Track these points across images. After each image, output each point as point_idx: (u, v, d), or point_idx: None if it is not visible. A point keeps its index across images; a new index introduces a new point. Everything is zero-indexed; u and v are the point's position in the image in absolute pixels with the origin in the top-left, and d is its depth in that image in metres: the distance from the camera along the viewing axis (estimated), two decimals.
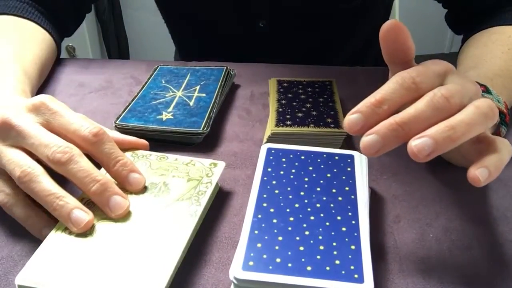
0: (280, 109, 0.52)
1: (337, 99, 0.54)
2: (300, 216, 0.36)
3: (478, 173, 0.32)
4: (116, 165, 0.40)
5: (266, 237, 0.34)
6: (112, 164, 0.40)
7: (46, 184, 0.37)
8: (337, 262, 0.32)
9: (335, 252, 0.33)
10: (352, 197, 0.38)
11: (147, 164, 0.44)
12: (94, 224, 0.38)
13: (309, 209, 0.36)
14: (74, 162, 0.38)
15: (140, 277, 0.33)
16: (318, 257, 0.32)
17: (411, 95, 0.33)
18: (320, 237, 0.34)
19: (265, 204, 0.37)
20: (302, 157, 0.42)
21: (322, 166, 0.41)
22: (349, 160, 0.42)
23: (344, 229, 0.35)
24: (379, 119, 0.32)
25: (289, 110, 0.52)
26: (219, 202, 0.44)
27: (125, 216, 0.38)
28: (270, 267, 0.32)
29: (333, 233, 0.34)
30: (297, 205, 0.37)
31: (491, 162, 0.32)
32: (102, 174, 0.39)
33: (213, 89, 0.57)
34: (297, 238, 0.34)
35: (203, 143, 0.51)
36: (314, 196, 0.38)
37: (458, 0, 0.66)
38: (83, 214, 0.37)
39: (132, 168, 0.41)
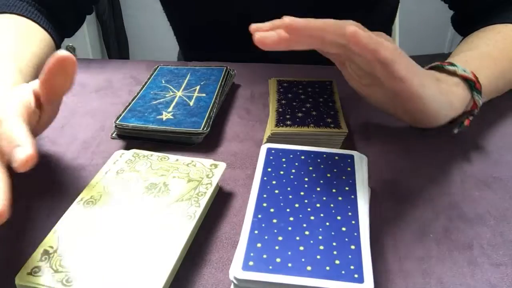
0: (280, 109, 0.52)
1: (337, 99, 0.54)
2: (300, 216, 0.36)
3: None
4: (4, 144, 0.36)
5: (266, 237, 0.34)
6: (2, 144, 0.36)
7: None
8: (337, 262, 0.32)
9: (335, 252, 0.33)
10: (352, 197, 0.38)
11: (147, 164, 0.44)
12: (93, 224, 0.38)
13: (309, 209, 0.36)
14: None
15: (138, 277, 0.33)
16: (318, 257, 0.32)
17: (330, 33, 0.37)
18: (320, 237, 0.34)
19: (265, 204, 0.37)
20: (302, 157, 0.42)
21: (322, 166, 0.41)
22: (349, 160, 0.42)
23: (344, 229, 0.35)
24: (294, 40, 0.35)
25: (289, 110, 0.52)
26: (219, 202, 0.44)
27: (125, 216, 0.39)
28: (270, 267, 0.32)
29: (333, 233, 0.34)
30: (297, 205, 0.37)
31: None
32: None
33: (213, 89, 0.57)
34: (297, 238, 0.34)
35: (203, 143, 0.51)
36: (314, 196, 0.38)
37: (464, 0, 0.66)
38: None
39: (16, 144, 0.35)
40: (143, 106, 0.54)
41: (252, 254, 0.33)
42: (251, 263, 0.32)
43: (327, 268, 0.32)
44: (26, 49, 0.58)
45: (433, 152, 0.50)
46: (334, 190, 0.38)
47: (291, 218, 0.36)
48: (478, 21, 0.62)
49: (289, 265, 0.32)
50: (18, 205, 0.44)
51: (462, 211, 0.43)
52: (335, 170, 0.41)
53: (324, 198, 0.38)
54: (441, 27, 2.36)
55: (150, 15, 2.07)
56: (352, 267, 0.32)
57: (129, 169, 0.44)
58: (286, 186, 0.39)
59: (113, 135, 0.53)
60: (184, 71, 0.62)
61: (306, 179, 0.40)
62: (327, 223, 0.35)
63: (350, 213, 0.36)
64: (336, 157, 0.42)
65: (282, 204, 0.37)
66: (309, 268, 0.32)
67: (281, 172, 0.40)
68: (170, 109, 0.54)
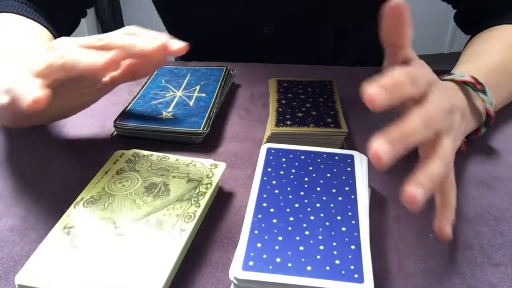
0: (280, 109, 0.52)
1: (337, 99, 0.54)
2: (300, 216, 0.36)
3: (449, 232, 0.36)
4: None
5: (266, 237, 0.34)
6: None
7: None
8: (337, 262, 0.32)
9: (335, 252, 0.33)
10: (352, 197, 0.38)
11: (147, 164, 0.44)
12: (93, 224, 0.38)
13: (309, 209, 0.36)
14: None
15: (138, 277, 0.33)
16: (318, 257, 0.32)
17: (411, 89, 0.35)
18: (320, 237, 0.34)
19: (265, 204, 0.37)
20: (302, 157, 0.42)
21: (322, 166, 0.41)
22: (349, 160, 0.42)
23: (344, 229, 0.35)
24: (392, 98, 0.32)
25: (289, 110, 0.52)
26: (219, 202, 0.44)
27: (125, 216, 0.39)
28: (270, 267, 0.32)
29: (333, 233, 0.34)
30: (297, 205, 0.37)
31: (451, 217, 0.36)
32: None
33: (213, 89, 0.57)
34: (297, 238, 0.34)
35: (203, 143, 0.51)
36: (314, 196, 0.38)
37: (467, 1, 0.66)
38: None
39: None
40: (143, 106, 0.54)
41: (252, 254, 0.33)
42: (251, 263, 0.32)
43: (327, 268, 0.32)
44: (37, 44, 0.58)
45: None
46: (334, 190, 0.38)
47: (291, 218, 0.36)
48: (484, 20, 0.62)
49: (289, 265, 0.32)
50: (18, 205, 0.44)
51: (462, 211, 0.43)
52: (335, 170, 0.41)
53: (324, 198, 0.38)
54: (441, 27, 2.36)
55: (150, 15, 2.06)
56: (352, 267, 0.32)
57: (129, 169, 0.44)
58: (286, 186, 0.39)
59: (113, 135, 0.53)
60: (184, 71, 0.62)
61: (306, 179, 0.40)
62: (327, 223, 0.35)
63: (350, 213, 0.36)
64: (336, 157, 0.42)
65: (282, 204, 0.37)
66: (309, 268, 0.32)
67: (281, 172, 0.40)
68: (170, 109, 0.54)
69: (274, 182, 0.39)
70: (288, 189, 0.39)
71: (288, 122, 0.50)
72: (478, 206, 0.43)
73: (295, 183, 0.39)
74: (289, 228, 0.35)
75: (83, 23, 0.72)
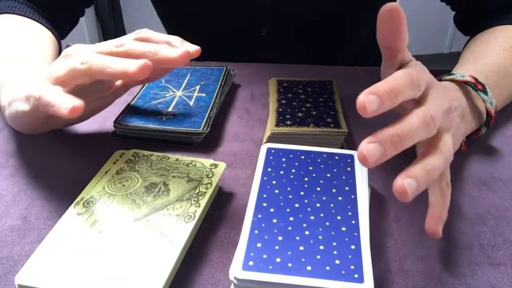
0: (280, 109, 0.52)
1: (337, 99, 0.54)
2: (300, 216, 0.36)
3: (437, 231, 0.36)
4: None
5: (266, 237, 0.34)
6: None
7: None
8: (337, 262, 0.32)
9: (335, 252, 0.33)
10: (352, 197, 0.38)
11: (147, 164, 0.44)
12: (93, 224, 0.38)
13: (309, 209, 0.36)
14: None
15: (138, 277, 0.33)
16: (318, 256, 0.32)
17: (415, 95, 0.35)
18: (320, 237, 0.34)
19: (265, 204, 0.37)
20: (302, 157, 0.42)
21: (322, 166, 0.41)
22: (349, 160, 0.42)
23: (344, 229, 0.35)
24: (390, 106, 0.33)
25: (289, 110, 0.52)
26: (219, 202, 0.44)
27: (125, 216, 0.39)
28: (270, 267, 0.32)
29: (333, 233, 0.34)
30: (297, 205, 0.37)
31: (443, 215, 0.36)
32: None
33: (213, 89, 0.57)
34: (297, 238, 0.34)
35: (203, 143, 0.51)
36: (314, 196, 0.38)
37: (466, 1, 0.66)
38: None
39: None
40: (143, 106, 0.54)
41: (252, 254, 0.33)
42: (251, 263, 0.32)
43: (327, 268, 0.32)
44: (42, 46, 0.58)
45: None
46: (334, 190, 0.38)
47: (291, 218, 0.36)
48: (483, 21, 0.62)
49: (289, 265, 0.32)
50: (18, 205, 0.44)
51: (462, 211, 0.43)
52: (335, 170, 0.41)
53: (324, 198, 0.38)
54: (441, 27, 2.36)
55: (150, 15, 2.07)
56: (352, 267, 0.32)
57: (129, 169, 0.44)
58: (286, 186, 0.39)
59: (113, 135, 0.53)
60: (184, 71, 0.62)
61: (306, 179, 0.40)
62: (327, 223, 0.35)
63: (350, 213, 0.36)
64: (336, 157, 0.42)
65: (282, 204, 0.37)
66: (309, 268, 0.32)
67: (281, 172, 0.40)
68: (170, 109, 0.54)
69: (274, 182, 0.39)
70: (288, 189, 0.39)
71: (288, 122, 0.50)
72: (478, 206, 0.43)
73: (295, 183, 0.39)
74: (289, 228, 0.35)
75: (83, 23, 0.72)
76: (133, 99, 0.56)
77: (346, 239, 0.34)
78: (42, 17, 0.65)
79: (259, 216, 0.36)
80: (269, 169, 0.41)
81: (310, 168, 0.41)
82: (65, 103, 0.38)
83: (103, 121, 0.56)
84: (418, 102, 0.36)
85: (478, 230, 0.41)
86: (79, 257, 0.35)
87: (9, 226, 0.41)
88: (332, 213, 0.36)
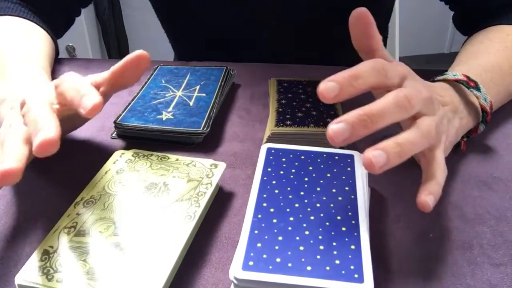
0: (280, 109, 0.52)
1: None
2: (300, 216, 0.36)
3: (427, 201, 0.36)
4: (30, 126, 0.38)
5: (266, 237, 0.34)
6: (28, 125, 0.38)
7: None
8: (337, 262, 0.32)
9: (335, 252, 0.33)
10: (352, 197, 0.38)
11: (147, 164, 0.44)
12: (93, 224, 0.38)
13: (309, 209, 0.36)
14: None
15: (138, 277, 0.33)
16: (318, 257, 0.32)
17: (381, 80, 0.36)
18: (320, 237, 0.34)
19: (265, 204, 0.37)
20: (302, 157, 0.42)
21: (322, 166, 0.41)
22: (349, 160, 0.42)
23: (344, 229, 0.35)
24: (352, 91, 0.34)
25: (289, 110, 0.52)
26: (219, 202, 0.44)
27: (125, 216, 0.39)
28: (270, 267, 0.32)
29: (333, 233, 0.34)
30: (297, 205, 0.37)
31: (434, 188, 0.37)
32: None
33: (213, 89, 0.57)
34: (297, 238, 0.34)
35: (203, 143, 0.51)
36: (314, 196, 0.38)
37: (464, 1, 0.66)
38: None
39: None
40: (143, 106, 0.54)
41: (252, 254, 0.33)
42: (251, 263, 0.32)
43: (327, 268, 0.32)
44: (38, 48, 0.58)
45: None
46: (334, 190, 0.38)
47: (291, 218, 0.36)
48: (481, 21, 0.62)
49: (289, 265, 0.32)
50: (18, 205, 0.44)
51: (462, 211, 0.43)
52: (335, 170, 0.41)
53: (324, 198, 0.38)
54: (441, 27, 2.36)
55: (150, 15, 2.06)
56: (352, 267, 0.32)
57: (129, 169, 0.44)
58: (286, 186, 0.39)
59: (113, 135, 0.53)
60: (184, 71, 0.62)
61: (306, 179, 0.40)
62: (327, 223, 0.35)
63: (350, 213, 0.36)
64: (336, 157, 0.42)
65: (282, 204, 0.37)
66: (309, 268, 0.32)
67: (281, 172, 0.40)
68: (170, 109, 0.54)
69: (274, 182, 0.39)
70: (288, 189, 0.39)
71: (288, 122, 0.50)
72: (478, 206, 0.43)
73: (295, 183, 0.39)
74: (289, 228, 0.35)
75: (83, 23, 0.72)
76: (133, 99, 0.56)
77: (346, 239, 0.34)
78: (38, 18, 0.65)
79: (259, 216, 0.36)
80: (269, 169, 0.41)
81: (310, 168, 0.41)
82: (87, 101, 0.38)
83: (103, 121, 0.56)
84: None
85: (478, 230, 0.41)
86: (79, 257, 0.35)
87: (9, 226, 0.41)
88: (332, 213, 0.36)
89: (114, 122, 0.52)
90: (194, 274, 0.37)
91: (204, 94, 0.56)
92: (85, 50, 1.91)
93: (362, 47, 0.40)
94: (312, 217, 0.36)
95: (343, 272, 0.31)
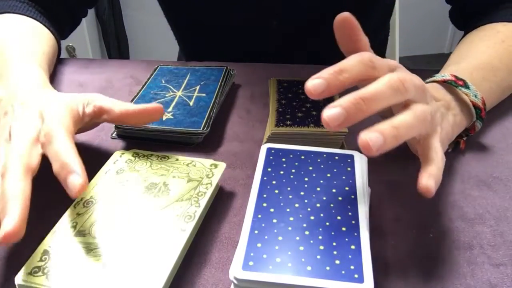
0: (280, 109, 0.52)
1: (337, 99, 0.54)
2: (300, 216, 0.36)
3: (428, 185, 0.35)
4: (57, 166, 0.38)
5: (266, 237, 0.34)
6: (54, 165, 0.38)
7: None
8: (337, 262, 0.32)
9: (335, 252, 0.33)
10: (352, 197, 0.38)
11: (147, 164, 0.44)
12: (93, 224, 0.38)
13: (309, 209, 0.36)
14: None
15: (138, 277, 0.33)
16: (318, 257, 0.32)
17: (368, 71, 0.36)
18: (320, 237, 0.34)
19: (265, 204, 0.37)
20: (302, 157, 0.42)
21: (322, 166, 0.41)
22: (349, 160, 0.42)
23: (344, 229, 0.35)
24: (339, 85, 0.34)
25: (289, 110, 0.52)
26: (219, 202, 0.44)
27: (125, 216, 0.39)
28: (270, 267, 0.32)
29: (333, 233, 0.34)
30: (297, 205, 0.37)
31: (433, 171, 0.36)
32: (67, 155, 0.38)
33: (213, 89, 0.57)
34: (297, 238, 0.34)
35: (203, 143, 0.51)
36: (314, 196, 0.38)
37: None
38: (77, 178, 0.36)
39: (70, 170, 0.37)
40: None
41: (252, 254, 0.33)
42: (251, 263, 0.32)
43: (327, 268, 0.32)
44: (38, 46, 0.58)
45: None
46: (334, 190, 0.38)
47: (291, 218, 0.36)
48: (476, 16, 0.63)
49: (289, 265, 0.32)
50: None
51: (462, 211, 0.43)
52: (335, 170, 0.41)
53: (324, 198, 0.38)
54: (441, 27, 2.36)
55: (150, 15, 2.07)
56: (352, 267, 0.32)
57: (129, 169, 0.44)
58: (286, 186, 0.39)
59: (113, 135, 0.53)
60: (184, 71, 0.62)
61: (306, 179, 0.40)
62: (327, 223, 0.35)
63: (350, 213, 0.36)
64: (336, 157, 0.42)
65: (282, 204, 0.37)
66: (309, 268, 0.32)
67: (281, 172, 0.40)
68: (170, 109, 0.54)
69: (274, 182, 0.39)
70: (288, 189, 0.39)
71: (288, 122, 0.50)
72: (478, 206, 0.43)
73: (295, 183, 0.39)
74: (289, 228, 0.35)
75: (83, 23, 0.72)
76: (133, 99, 0.56)
77: (346, 239, 0.34)
78: (43, 17, 0.65)
79: (259, 216, 0.36)
80: (269, 169, 0.41)
81: (310, 168, 0.41)
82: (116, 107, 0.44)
83: None
84: None
85: (478, 230, 0.41)
86: (79, 257, 0.35)
87: None
88: (332, 213, 0.36)
89: None
90: (194, 274, 0.37)
91: (204, 94, 0.56)
92: (85, 50, 1.91)
93: (349, 51, 0.39)
94: (312, 217, 0.36)
95: (343, 272, 0.31)
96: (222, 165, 0.44)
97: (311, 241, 0.34)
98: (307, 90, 0.34)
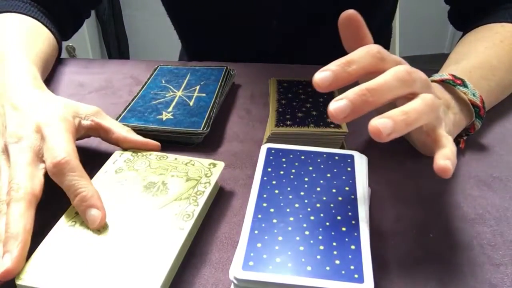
0: (280, 109, 0.52)
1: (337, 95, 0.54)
2: (300, 216, 0.36)
3: (446, 164, 0.34)
4: (75, 199, 0.38)
5: (266, 237, 0.34)
6: (72, 197, 0.39)
7: None
8: (337, 262, 0.32)
9: (335, 252, 0.33)
10: (352, 197, 0.38)
11: (146, 163, 0.44)
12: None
13: (309, 209, 0.36)
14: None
15: (137, 277, 0.33)
16: (318, 257, 0.32)
17: (376, 63, 0.35)
18: (320, 237, 0.34)
19: (265, 204, 0.37)
20: (302, 157, 0.42)
21: (322, 166, 0.41)
22: (349, 160, 0.42)
23: (344, 229, 0.35)
24: (347, 77, 0.34)
25: (289, 110, 0.52)
26: (219, 202, 0.44)
27: (123, 215, 0.38)
28: (270, 267, 0.32)
29: (333, 233, 0.34)
30: (297, 205, 0.37)
31: (448, 154, 0.35)
32: (84, 186, 0.39)
33: (213, 89, 0.57)
34: (297, 238, 0.34)
35: (203, 143, 0.51)
36: (314, 196, 0.38)
37: None
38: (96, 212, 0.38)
39: (90, 203, 0.38)
40: (143, 106, 0.54)
41: (252, 254, 0.33)
42: (251, 263, 0.32)
43: (327, 268, 0.31)
44: (35, 45, 0.58)
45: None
46: (334, 190, 0.38)
47: (291, 218, 0.36)
48: (474, 17, 0.63)
49: (289, 265, 0.32)
50: None
51: (462, 211, 0.43)
52: (335, 170, 0.41)
53: (324, 198, 0.38)
54: (441, 27, 2.36)
55: (150, 15, 2.07)
56: (352, 267, 0.32)
57: (128, 168, 0.44)
58: (286, 186, 0.39)
59: None
60: (184, 71, 0.62)
61: (306, 179, 0.40)
62: (327, 223, 0.35)
63: (350, 213, 0.36)
64: (336, 157, 0.42)
65: (282, 204, 0.37)
66: (309, 268, 0.32)
67: (281, 172, 0.40)
68: (170, 109, 0.54)
69: (274, 182, 0.39)
70: (288, 189, 0.39)
71: (288, 122, 0.50)
72: (478, 206, 0.43)
73: (295, 183, 0.39)
74: (289, 228, 0.35)
75: (83, 23, 0.73)
76: (133, 99, 0.56)
77: (346, 239, 0.34)
78: (45, 18, 0.65)
79: (259, 216, 0.36)
80: (269, 169, 0.41)
81: (310, 168, 0.41)
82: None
83: None
84: None
85: (478, 230, 0.41)
86: (79, 257, 0.35)
87: None
88: (332, 213, 0.36)
89: None
90: (194, 274, 0.37)
91: (204, 94, 0.56)
92: (85, 50, 1.91)
93: (353, 49, 0.39)
94: (312, 217, 0.36)
95: (343, 272, 0.31)
96: (220, 165, 0.44)
97: (311, 241, 0.34)
98: (314, 83, 0.33)
